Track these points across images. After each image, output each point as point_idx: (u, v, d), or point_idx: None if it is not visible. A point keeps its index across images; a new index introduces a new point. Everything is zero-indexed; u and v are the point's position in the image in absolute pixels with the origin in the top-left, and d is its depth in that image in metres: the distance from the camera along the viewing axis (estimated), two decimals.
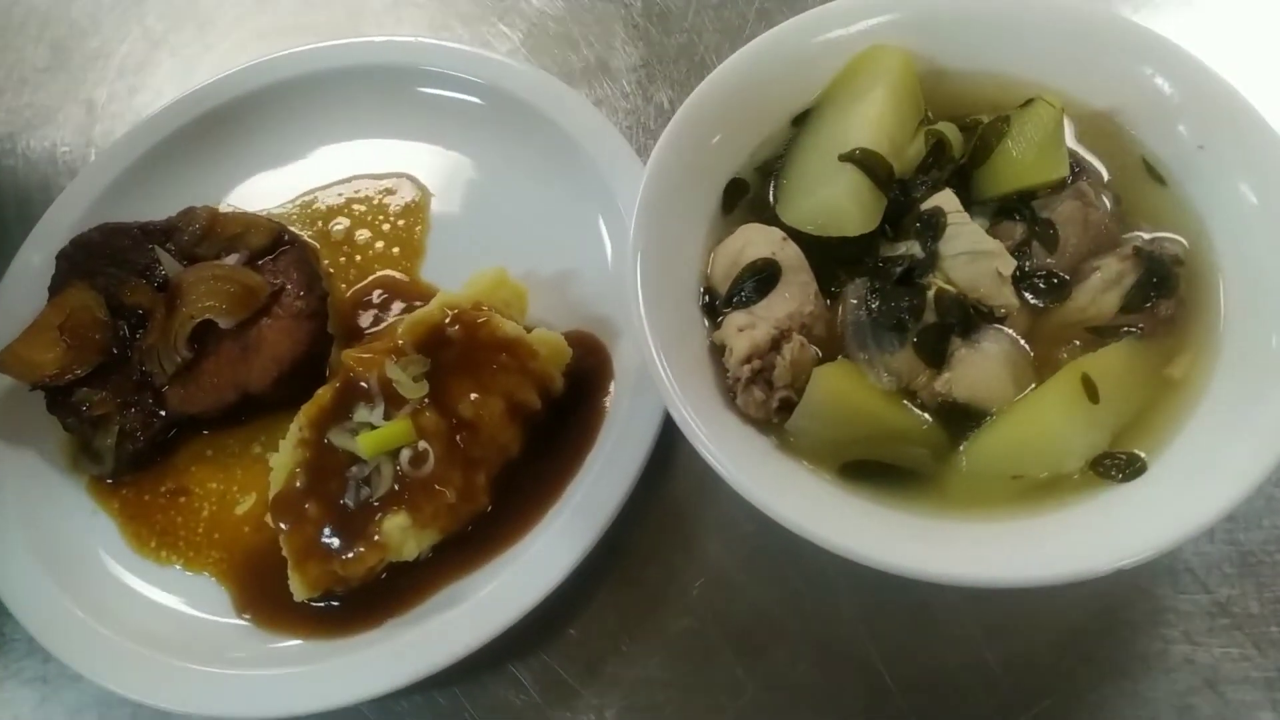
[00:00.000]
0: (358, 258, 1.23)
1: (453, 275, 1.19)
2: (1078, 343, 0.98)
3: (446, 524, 1.02)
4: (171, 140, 1.30)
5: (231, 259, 1.15)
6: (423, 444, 0.99)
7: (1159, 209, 1.03)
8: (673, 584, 1.06)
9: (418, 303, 1.16)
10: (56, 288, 1.17)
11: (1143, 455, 0.92)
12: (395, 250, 1.23)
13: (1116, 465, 0.91)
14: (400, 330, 1.04)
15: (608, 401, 1.08)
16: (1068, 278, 0.99)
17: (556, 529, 1.02)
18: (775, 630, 1.03)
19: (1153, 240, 1.01)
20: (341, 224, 1.25)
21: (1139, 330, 0.97)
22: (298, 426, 1.01)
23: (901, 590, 1.04)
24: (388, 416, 1.00)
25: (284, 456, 1.02)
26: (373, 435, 0.98)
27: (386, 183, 1.27)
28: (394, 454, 0.99)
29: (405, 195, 1.26)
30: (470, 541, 1.04)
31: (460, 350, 1.03)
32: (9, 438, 1.14)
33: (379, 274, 1.22)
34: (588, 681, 1.02)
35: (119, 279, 1.16)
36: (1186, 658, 0.98)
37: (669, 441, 1.07)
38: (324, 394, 1.01)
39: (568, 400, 1.09)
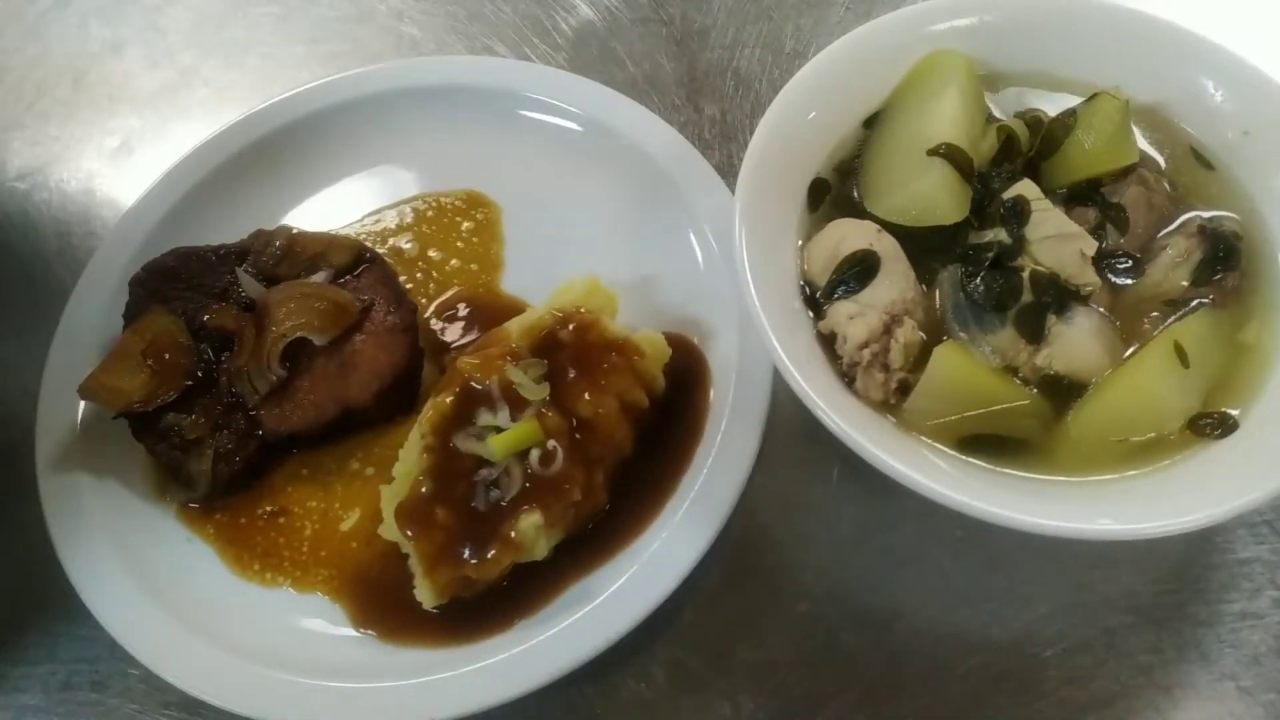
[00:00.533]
0: (434, 274, 1.23)
1: (534, 286, 1.22)
2: (1156, 314, 1.05)
3: (571, 523, 1.03)
4: (229, 165, 1.29)
5: (318, 277, 1.14)
6: (551, 443, 1.00)
7: (1211, 192, 1.12)
8: (784, 570, 1.09)
9: (503, 315, 1.17)
10: (133, 314, 1.14)
11: (1234, 413, 0.99)
12: (473, 266, 1.24)
13: (1211, 424, 0.98)
14: (515, 334, 1.05)
15: (710, 398, 1.11)
16: (1140, 256, 1.07)
17: (677, 523, 1.04)
18: (892, 607, 1.07)
19: (1212, 219, 1.09)
20: (413, 242, 1.26)
21: (1210, 301, 1.04)
22: (420, 434, 1.01)
23: (994, 559, 1.10)
24: (512, 419, 1.00)
25: (406, 465, 1.01)
26: (503, 437, 0.99)
27: (454, 199, 1.29)
28: (522, 455, 1.00)
29: (475, 210, 1.28)
30: (591, 540, 1.05)
31: (573, 352, 1.05)
32: (92, 470, 1.11)
33: (459, 289, 1.22)
34: (715, 669, 1.04)
35: (196, 302, 1.14)
36: (1276, 602, 1.05)
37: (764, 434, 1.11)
38: (443, 401, 1.01)
39: (669, 399, 1.12)
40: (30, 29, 1.54)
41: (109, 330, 1.18)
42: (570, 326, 1.06)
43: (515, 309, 1.20)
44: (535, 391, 1.01)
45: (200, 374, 1.11)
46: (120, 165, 1.41)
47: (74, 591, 1.05)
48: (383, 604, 1.04)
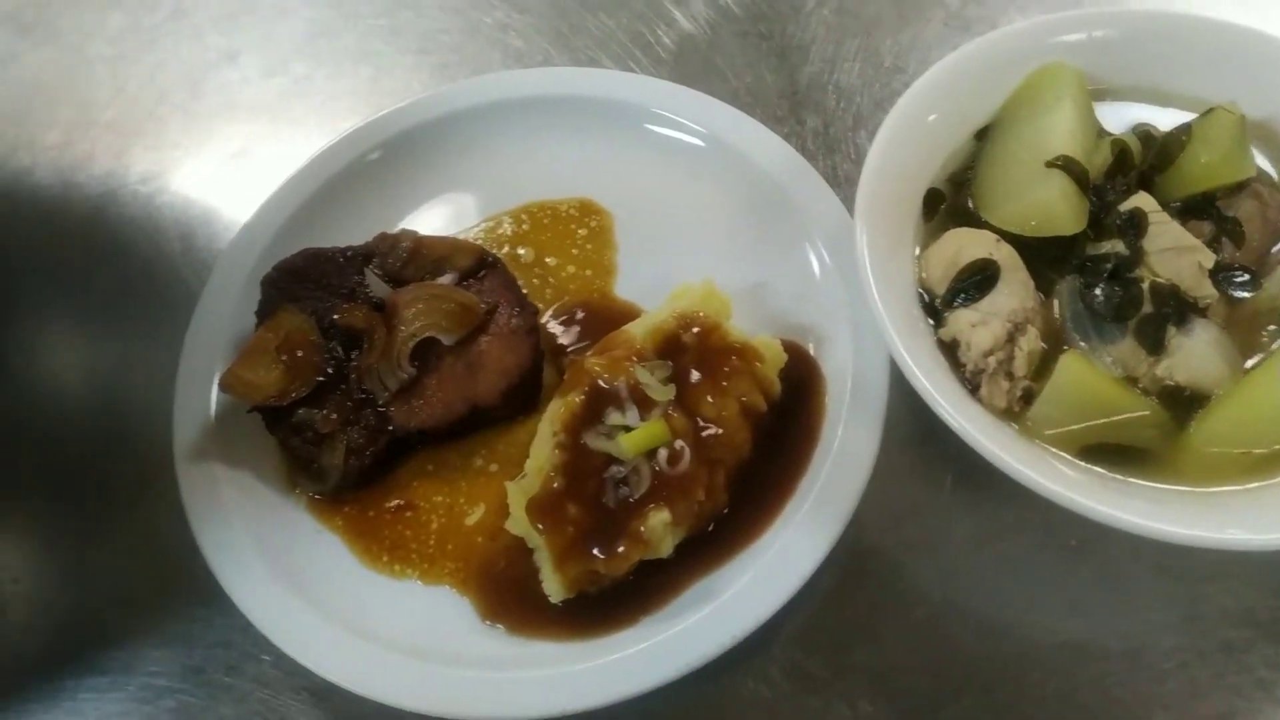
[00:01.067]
0: (550, 279, 1.27)
1: (647, 292, 1.25)
2: (1273, 327, 1.06)
3: (693, 522, 1.05)
4: (349, 171, 1.33)
5: (444, 279, 1.18)
6: (679, 443, 1.02)
7: None
8: (899, 575, 1.11)
9: (618, 320, 1.20)
10: (265, 312, 1.18)
11: None
12: (588, 272, 1.27)
13: None
14: (640, 336, 1.08)
15: (825, 403, 1.13)
16: (1256, 270, 1.08)
17: (797, 524, 1.06)
18: (1008, 614, 1.08)
19: None
20: (528, 247, 1.29)
21: None
22: (551, 431, 1.04)
23: (1108, 570, 1.11)
24: (640, 419, 1.03)
25: (538, 461, 1.04)
26: (633, 436, 1.01)
27: (568, 206, 1.32)
28: (650, 453, 1.02)
29: (589, 218, 1.31)
30: (712, 539, 1.07)
31: (695, 354, 1.08)
32: (227, 462, 1.15)
33: (575, 293, 1.26)
34: (833, 671, 1.06)
35: (326, 302, 1.18)
36: None
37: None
38: (574, 400, 1.04)
39: (783, 403, 1.14)
40: (148, 39, 1.60)
41: (238, 328, 1.22)
42: (693, 329, 1.09)
43: (629, 314, 1.23)
44: (662, 392, 1.04)
45: (331, 371, 1.15)
46: (239, 170, 1.46)
47: (210, 578, 1.08)
48: (509, 597, 1.06)
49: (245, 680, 1.10)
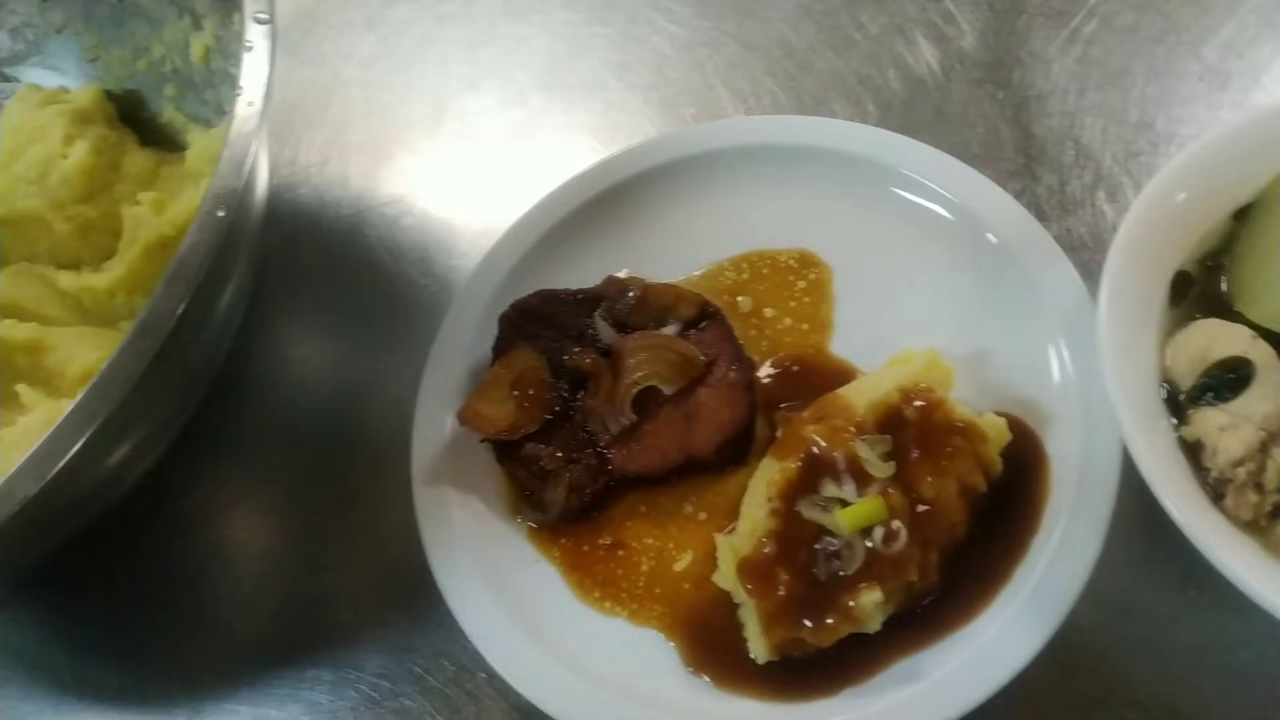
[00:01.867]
0: (767, 331, 1.29)
1: (863, 351, 1.25)
2: None
3: (903, 600, 1.05)
4: (578, 211, 1.38)
5: (668, 329, 1.22)
6: (896, 522, 1.03)
7: None
8: (1113, 673, 1.07)
9: (831, 377, 1.21)
10: (501, 349, 1.26)
11: None
12: (804, 326, 1.28)
13: None
14: (861, 408, 1.09)
15: (1049, 486, 1.10)
16: None
17: (1012, 613, 1.04)
18: None
19: None
20: (746, 296, 1.31)
21: None
22: (766, 497, 1.07)
23: None
24: (857, 494, 1.04)
25: (751, 523, 1.07)
26: (851, 512, 1.02)
27: (788, 258, 1.33)
28: (865, 530, 1.03)
29: (808, 270, 1.32)
30: (920, 618, 1.07)
31: (916, 430, 1.08)
32: (458, 486, 1.23)
33: (790, 347, 1.27)
34: None
35: (556, 342, 1.25)
36: None
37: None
38: (790, 467, 1.06)
39: (1004, 482, 1.12)
40: (398, 65, 1.71)
41: (473, 359, 1.30)
42: (915, 404, 1.09)
43: (843, 372, 1.24)
44: (882, 469, 1.05)
45: (558, 409, 1.21)
46: (474, 199, 1.54)
47: (434, 591, 1.17)
48: (714, 649, 1.10)
49: (461, 693, 1.18)
